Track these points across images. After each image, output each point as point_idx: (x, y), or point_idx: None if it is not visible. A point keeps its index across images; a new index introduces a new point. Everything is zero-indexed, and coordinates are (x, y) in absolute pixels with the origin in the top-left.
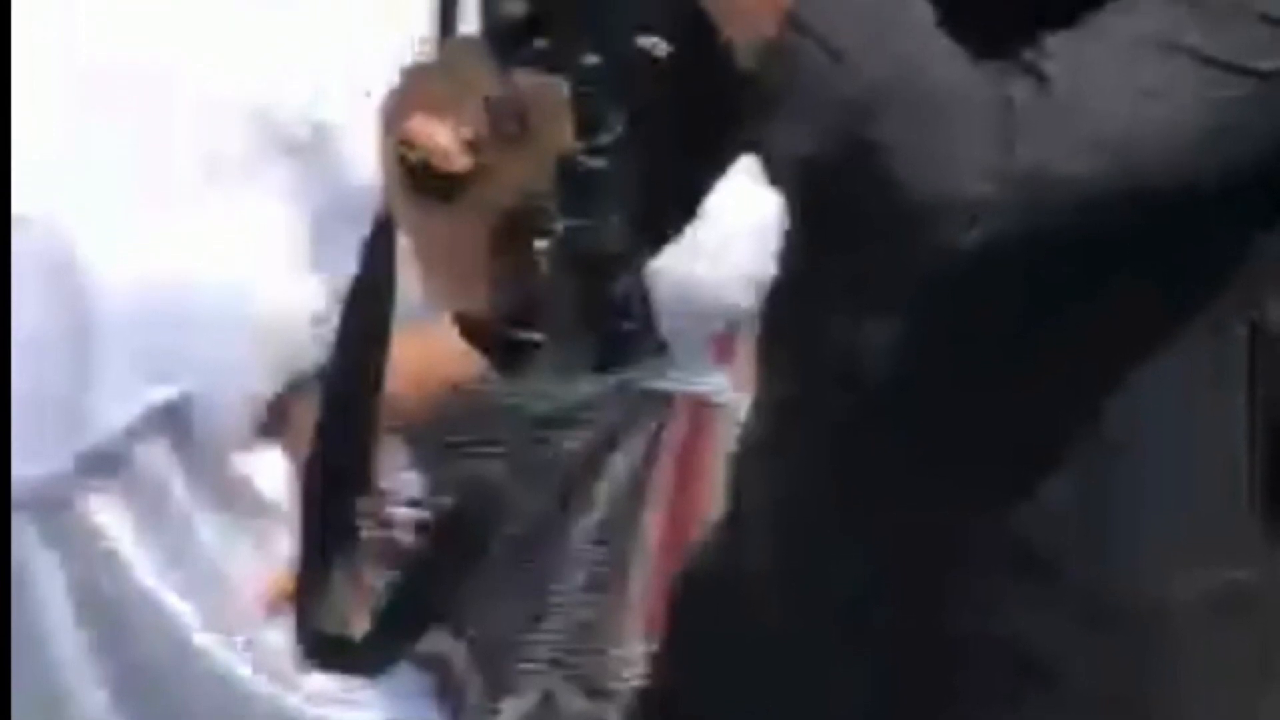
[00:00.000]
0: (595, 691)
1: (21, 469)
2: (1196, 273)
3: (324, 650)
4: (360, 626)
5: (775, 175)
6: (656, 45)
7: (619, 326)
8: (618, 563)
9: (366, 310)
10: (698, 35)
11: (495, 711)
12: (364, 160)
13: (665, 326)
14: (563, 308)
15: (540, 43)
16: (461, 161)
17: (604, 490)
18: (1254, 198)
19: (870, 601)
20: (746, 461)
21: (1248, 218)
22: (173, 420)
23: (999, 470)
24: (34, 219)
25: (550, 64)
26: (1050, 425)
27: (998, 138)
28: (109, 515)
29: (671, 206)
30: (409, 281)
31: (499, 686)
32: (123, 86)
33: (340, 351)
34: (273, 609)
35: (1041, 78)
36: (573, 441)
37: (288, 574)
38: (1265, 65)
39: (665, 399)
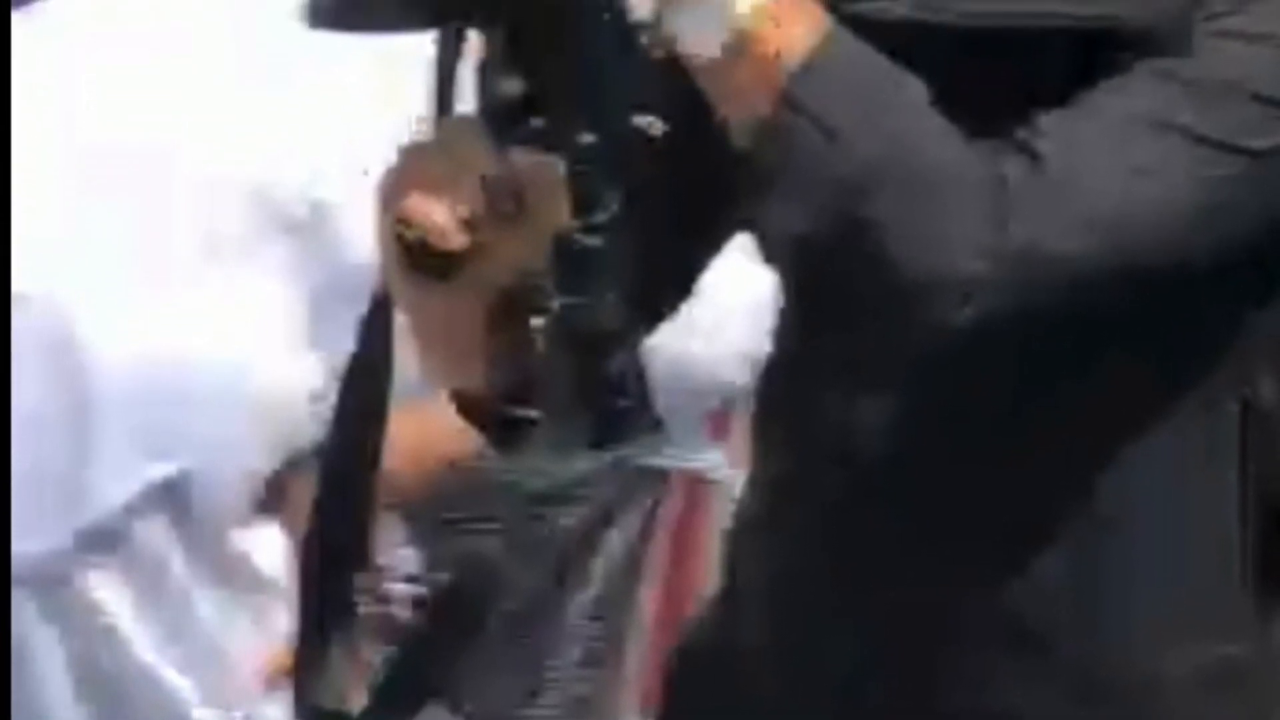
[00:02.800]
0: None
1: (21, 545)
2: (1189, 350)
3: None
4: (358, 702)
5: (770, 253)
6: (652, 124)
7: (615, 404)
8: (614, 638)
9: (364, 388)
10: (693, 114)
11: None
12: (362, 239)
13: (661, 404)
14: (559, 385)
15: (536, 122)
16: (458, 240)
17: (600, 566)
18: (1246, 275)
19: (865, 677)
20: (741, 538)
21: (1239, 295)
22: (172, 497)
23: (992, 547)
24: (33, 297)
25: (546, 143)
26: (1043, 502)
27: (991, 216)
28: (108, 591)
29: (667, 284)
30: (406, 359)
31: None
32: (122, 165)
33: (338, 429)
34: (271, 684)
35: (1034, 156)
36: (569, 518)
37: (286, 649)
38: (1257, 144)
39: (661, 476)
